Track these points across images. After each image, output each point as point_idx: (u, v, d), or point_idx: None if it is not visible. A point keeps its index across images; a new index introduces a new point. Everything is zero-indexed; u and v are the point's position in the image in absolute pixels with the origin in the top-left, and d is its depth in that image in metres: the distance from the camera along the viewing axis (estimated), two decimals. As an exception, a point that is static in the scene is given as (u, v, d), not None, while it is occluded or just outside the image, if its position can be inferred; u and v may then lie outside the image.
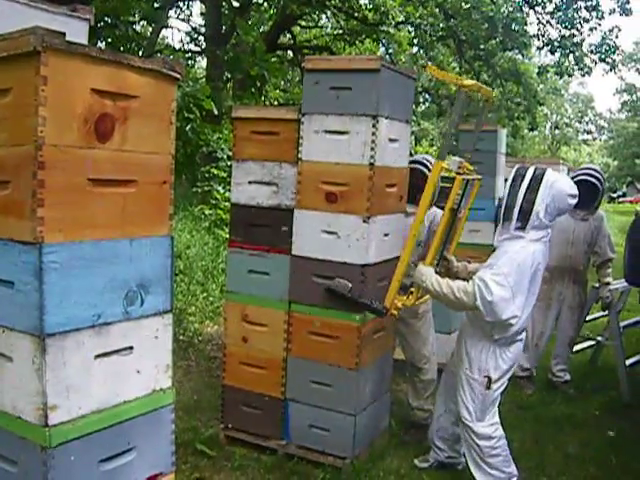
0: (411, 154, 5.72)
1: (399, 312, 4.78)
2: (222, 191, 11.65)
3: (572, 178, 6.24)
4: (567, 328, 6.96)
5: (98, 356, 2.82)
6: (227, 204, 5.66)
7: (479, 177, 4.91)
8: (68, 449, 2.71)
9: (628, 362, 6.96)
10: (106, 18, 13.18)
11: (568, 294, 6.80)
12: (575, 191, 4.34)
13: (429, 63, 21.31)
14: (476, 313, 4.32)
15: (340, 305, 4.73)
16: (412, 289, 4.67)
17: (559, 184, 4.29)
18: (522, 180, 4.30)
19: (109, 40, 13.49)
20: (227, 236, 5.40)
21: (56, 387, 2.65)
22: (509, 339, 4.40)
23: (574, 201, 4.34)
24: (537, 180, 4.27)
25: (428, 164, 5.42)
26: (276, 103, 19.06)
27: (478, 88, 4.60)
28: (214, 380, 6.39)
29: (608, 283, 6.70)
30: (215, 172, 12.21)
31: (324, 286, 4.82)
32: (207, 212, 11.66)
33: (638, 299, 6.67)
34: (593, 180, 6.50)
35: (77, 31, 3.50)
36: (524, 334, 4.53)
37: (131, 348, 2.96)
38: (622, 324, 7.31)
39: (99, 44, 12.43)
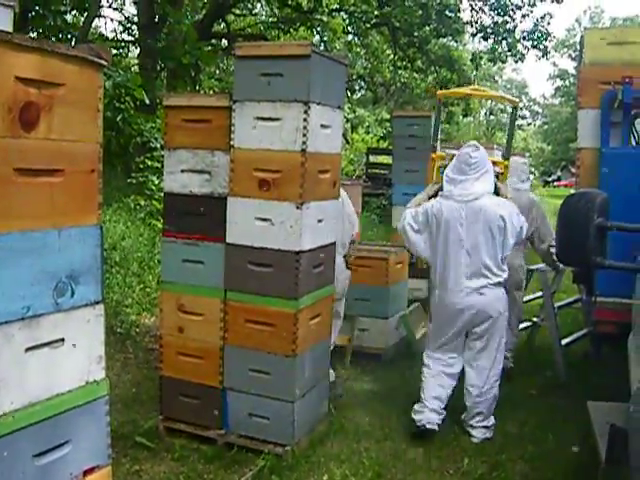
0: (347, 141, 5.83)
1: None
2: (157, 182, 11.51)
3: None
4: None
5: (29, 349, 2.77)
6: (162, 195, 5.64)
7: None
8: (1, 444, 2.65)
9: (563, 342, 7.07)
10: (36, 8, 12.91)
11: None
12: (466, 146, 5.45)
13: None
14: None
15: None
16: None
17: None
18: None
19: (40, 31, 13.21)
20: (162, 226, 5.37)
21: (-14, 382, 2.60)
22: (435, 282, 5.47)
23: (467, 149, 5.35)
24: None
25: None
26: (211, 92, 18.91)
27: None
28: (152, 372, 6.33)
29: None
30: (149, 163, 12.07)
31: None
32: (142, 203, 11.50)
33: (572, 279, 6.79)
34: None
35: (0, 18, 3.44)
36: (442, 279, 5.36)
37: (62, 340, 2.91)
38: (557, 305, 7.45)
39: (31, 35, 12.17)
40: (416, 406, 5.46)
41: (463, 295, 5.25)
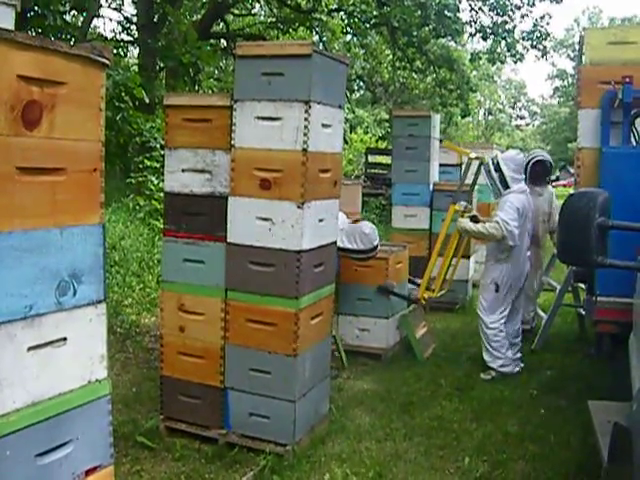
0: (346, 142, 5.85)
1: (426, 301, 7.82)
2: (156, 181, 11.52)
3: (528, 161, 7.79)
4: (532, 283, 8.28)
5: (31, 348, 2.75)
6: (161, 194, 5.62)
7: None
8: (3, 444, 2.64)
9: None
10: (35, 8, 12.90)
11: (532, 256, 7.56)
12: (516, 151, 7.33)
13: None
14: (498, 241, 6.78)
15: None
16: (433, 286, 7.70)
17: (507, 155, 7.08)
18: (490, 171, 6.90)
19: (39, 30, 13.19)
20: (162, 226, 5.36)
21: (-12, 381, 2.59)
22: (507, 259, 6.82)
23: (520, 155, 7.05)
24: (495, 163, 6.86)
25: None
26: (210, 92, 18.90)
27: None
28: (153, 372, 6.33)
29: None
30: (148, 163, 12.07)
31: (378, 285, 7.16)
32: (141, 203, 11.50)
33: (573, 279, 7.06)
34: (546, 159, 8.02)
35: (2, 17, 3.43)
36: (515, 254, 6.82)
37: (65, 339, 2.90)
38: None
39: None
40: (503, 362, 6.84)
41: (526, 263, 7.02)
